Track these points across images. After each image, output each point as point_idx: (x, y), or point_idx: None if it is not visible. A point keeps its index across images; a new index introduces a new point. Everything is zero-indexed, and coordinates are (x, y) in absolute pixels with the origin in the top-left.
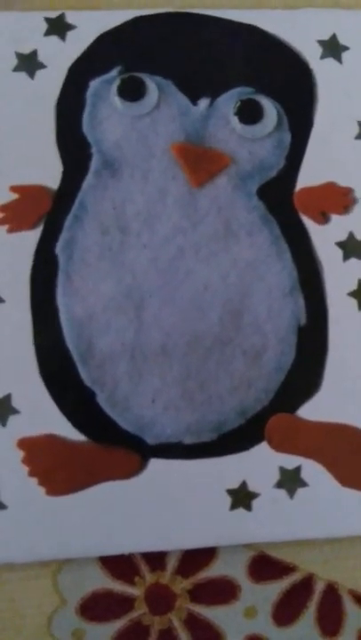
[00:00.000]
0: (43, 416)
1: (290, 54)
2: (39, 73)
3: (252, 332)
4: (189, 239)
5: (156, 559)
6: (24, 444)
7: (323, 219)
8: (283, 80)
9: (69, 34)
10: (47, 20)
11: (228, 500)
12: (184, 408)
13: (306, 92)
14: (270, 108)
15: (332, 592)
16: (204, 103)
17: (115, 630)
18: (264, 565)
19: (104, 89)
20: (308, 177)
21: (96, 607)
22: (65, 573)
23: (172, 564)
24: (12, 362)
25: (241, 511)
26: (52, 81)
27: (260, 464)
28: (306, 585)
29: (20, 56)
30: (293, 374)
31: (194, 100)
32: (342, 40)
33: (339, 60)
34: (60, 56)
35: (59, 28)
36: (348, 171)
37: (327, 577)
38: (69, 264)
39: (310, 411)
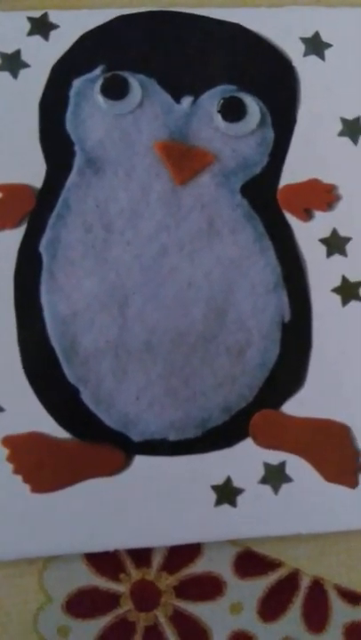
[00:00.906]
0: (27, 414)
1: (273, 52)
2: (22, 72)
3: (235, 328)
4: (173, 236)
5: (141, 556)
6: (8, 441)
7: (306, 215)
8: (266, 78)
9: (52, 33)
10: (30, 19)
11: (212, 496)
12: (168, 405)
13: (289, 90)
14: (253, 106)
15: (317, 587)
16: (187, 101)
17: (100, 627)
18: (249, 561)
19: (87, 88)
20: (291, 174)
21: (82, 604)
22: (50, 570)
23: (157, 560)
24: None
25: (226, 507)
26: (35, 80)
27: (244, 460)
28: (291, 580)
29: (3, 56)
30: (277, 370)
31: (177, 99)
32: (325, 37)
33: (322, 57)
34: (44, 55)
35: (42, 27)
36: (331, 167)
37: (313, 572)
38: (53, 262)
39: (294, 406)
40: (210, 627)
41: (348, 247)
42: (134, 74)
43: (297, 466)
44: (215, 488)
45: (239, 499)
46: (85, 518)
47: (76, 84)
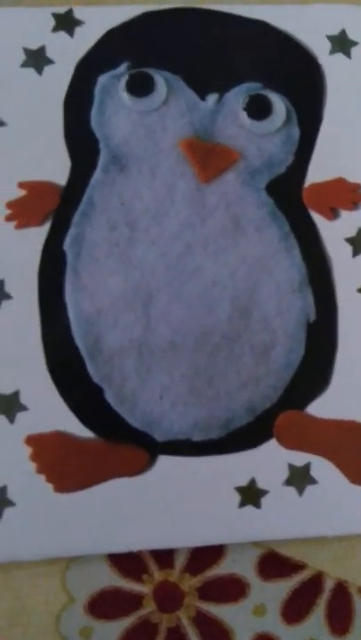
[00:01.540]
0: (51, 412)
1: (299, 49)
2: (47, 69)
3: (260, 328)
4: (198, 235)
5: (164, 557)
6: (32, 440)
7: (332, 214)
8: (291, 75)
9: (77, 29)
10: (55, 15)
11: (236, 498)
12: (192, 404)
13: (315, 88)
14: (279, 104)
15: (341, 590)
16: (212, 99)
17: (123, 628)
18: (273, 563)
19: (112, 85)
20: (317, 172)
21: (104, 605)
22: (73, 571)
23: (180, 561)
24: (21, 358)
25: (250, 508)
26: (60, 77)
27: (268, 461)
28: (315, 583)
29: (28, 52)
30: (302, 371)
31: (202, 96)
32: (351, 35)
33: (348, 55)
34: (68, 52)
35: (67, 23)
36: (357, 166)
37: (337, 575)
38: (77, 260)
39: (320, 407)
40: (233, 629)
41: None
42: (159, 71)
43: (322, 467)
44: (239, 489)
45: (263, 500)
46: (108, 519)
47: (101, 80)
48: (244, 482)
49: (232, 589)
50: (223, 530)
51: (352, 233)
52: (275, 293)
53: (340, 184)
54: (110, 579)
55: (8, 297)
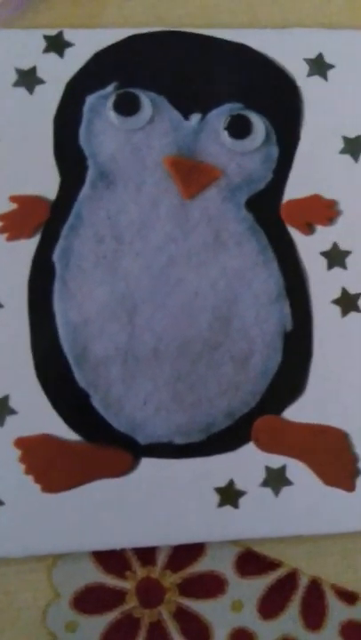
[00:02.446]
0: (39, 416)
1: (278, 72)
2: (38, 88)
3: (239, 337)
4: (181, 248)
5: (146, 554)
6: (21, 443)
7: (308, 229)
8: (271, 96)
9: (67, 51)
10: (46, 37)
11: (216, 498)
12: (174, 410)
13: (293, 108)
14: (259, 123)
15: (315, 587)
16: (195, 118)
17: (107, 622)
18: (250, 561)
19: (100, 104)
20: (294, 189)
21: (89, 600)
22: (59, 568)
23: (162, 559)
24: (11, 364)
25: (228, 508)
26: (50, 96)
27: (246, 463)
28: (290, 580)
29: (19, 72)
30: (279, 378)
31: (186, 115)
32: (328, 59)
33: (325, 77)
34: (59, 72)
35: (57, 45)
36: (332, 184)
37: (311, 572)
38: (66, 271)
39: (295, 412)
40: (211, 623)
41: (348, 260)
42: (145, 91)
43: (297, 470)
44: (218, 490)
45: (241, 501)
46: (93, 518)
47: (90, 100)
48: (222, 483)
49: (211, 586)
50: (203, 529)
51: (327, 247)
52: (253, 304)
53: (316, 200)
54: (95, 575)
55: None
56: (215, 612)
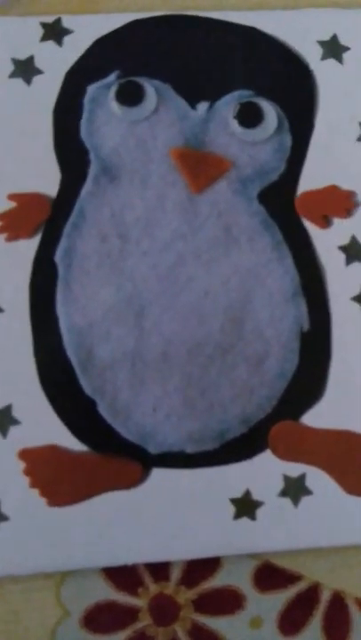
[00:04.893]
0: (44, 426)
1: (290, 55)
2: (36, 79)
3: (253, 338)
4: (189, 245)
5: (159, 570)
6: (25, 454)
7: (325, 223)
8: (283, 82)
9: (66, 39)
10: (43, 25)
11: (231, 510)
12: (186, 416)
13: (306, 94)
14: (270, 111)
15: (338, 601)
16: (203, 107)
17: None
18: (269, 575)
19: (102, 94)
20: (309, 180)
21: (100, 619)
22: (68, 585)
23: (175, 574)
24: (12, 372)
25: (245, 520)
26: (49, 87)
27: (263, 472)
28: (312, 594)
29: (16, 62)
30: (296, 381)
31: (193, 104)
32: (343, 40)
33: (340, 60)
34: (57, 61)
35: (55, 32)
36: (350, 173)
37: (333, 586)
38: (69, 272)
39: (314, 418)
40: None
41: None
42: (149, 79)
43: (317, 478)
44: (234, 501)
45: (258, 512)
46: (103, 532)
47: (91, 90)
48: (238, 493)
49: (228, 601)
50: (218, 542)
51: (345, 241)
52: (268, 303)
53: (332, 192)
54: (105, 592)
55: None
56: (233, 629)
